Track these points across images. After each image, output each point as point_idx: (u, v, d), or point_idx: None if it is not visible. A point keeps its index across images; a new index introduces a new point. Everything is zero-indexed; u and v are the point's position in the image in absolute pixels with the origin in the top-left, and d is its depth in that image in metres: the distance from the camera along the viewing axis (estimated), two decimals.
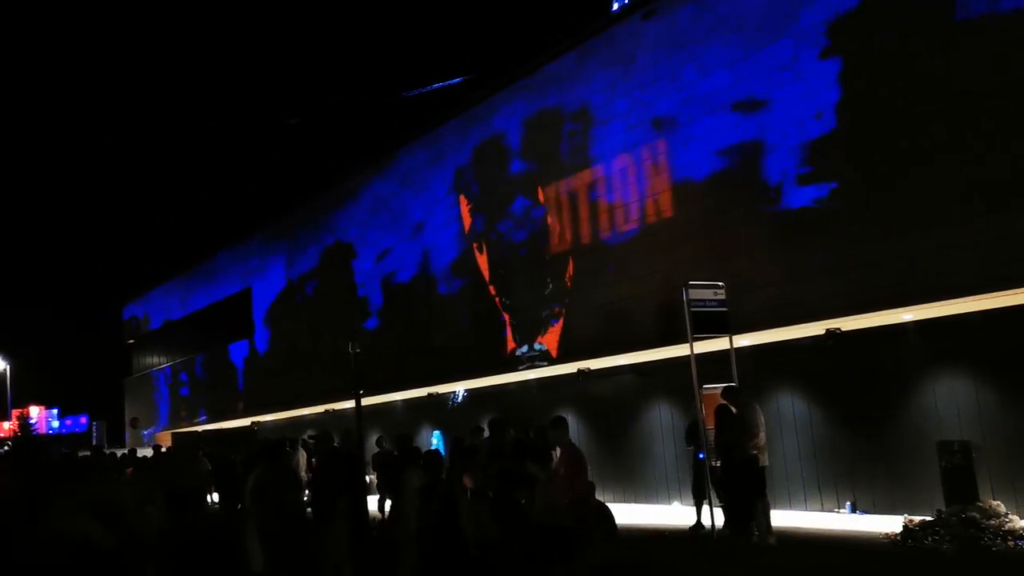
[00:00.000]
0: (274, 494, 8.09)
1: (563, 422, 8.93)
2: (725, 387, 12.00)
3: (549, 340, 17.15)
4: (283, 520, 7.97)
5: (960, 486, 11.03)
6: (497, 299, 18.60)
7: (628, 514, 14.47)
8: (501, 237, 18.53)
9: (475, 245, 19.27)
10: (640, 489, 16.64)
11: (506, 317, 18.31)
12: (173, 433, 35.53)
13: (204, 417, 32.64)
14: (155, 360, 38.49)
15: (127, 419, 40.76)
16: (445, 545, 7.03)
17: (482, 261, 19.05)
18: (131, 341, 41.44)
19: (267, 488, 8.17)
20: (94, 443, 41.44)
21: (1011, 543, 9.87)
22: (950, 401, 11.94)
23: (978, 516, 10.31)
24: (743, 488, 11.04)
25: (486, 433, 12.23)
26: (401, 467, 9.54)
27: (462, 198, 19.64)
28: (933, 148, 11.16)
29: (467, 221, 19.54)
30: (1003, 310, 11.23)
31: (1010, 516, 10.47)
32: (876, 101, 11.81)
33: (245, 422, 31.26)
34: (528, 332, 17.64)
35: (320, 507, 9.06)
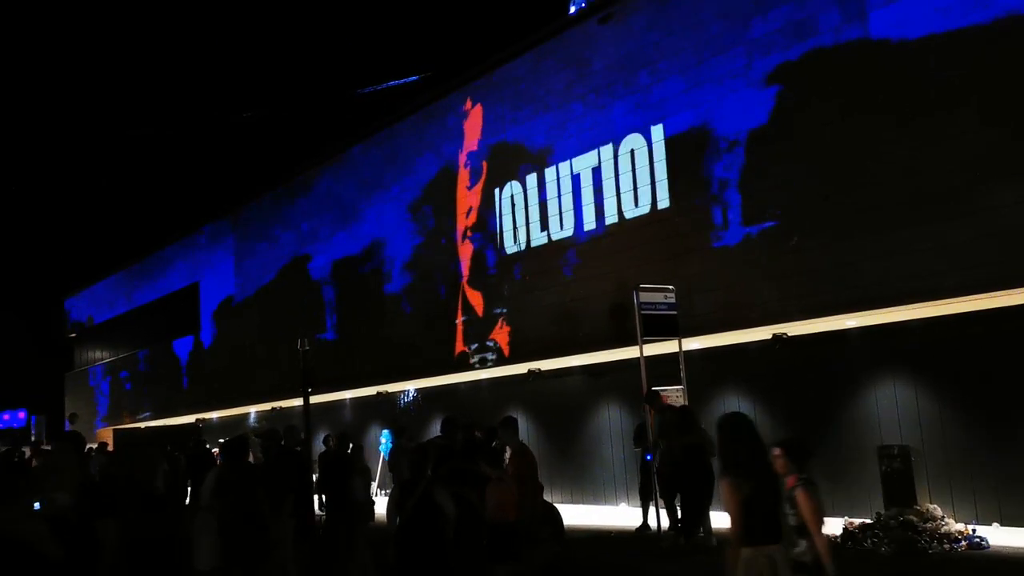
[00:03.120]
0: (236, 491, 8.00)
1: (513, 422, 8.97)
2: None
3: (500, 340, 17.16)
4: (243, 517, 7.87)
5: (899, 490, 11.29)
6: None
7: (576, 514, 14.54)
8: (451, 235, 18.50)
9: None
10: (588, 490, 16.73)
11: (458, 315, 18.28)
12: (115, 429, 34.80)
13: (148, 413, 32.02)
14: (98, 355, 37.61)
15: (67, 414, 39.74)
16: (418, 546, 6.83)
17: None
18: (73, 335, 40.47)
19: (229, 485, 8.07)
20: (33, 439, 40.34)
21: (947, 546, 10.12)
22: (891, 406, 12.20)
23: (915, 519, 10.55)
24: (703, 490, 11.16)
25: (436, 432, 12.19)
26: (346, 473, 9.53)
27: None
28: (876, 160, 11.41)
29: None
30: (943, 318, 11.52)
31: (946, 520, 10.73)
32: (822, 110, 12.03)
33: (190, 419, 30.74)
34: (479, 332, 17.63)
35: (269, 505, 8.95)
